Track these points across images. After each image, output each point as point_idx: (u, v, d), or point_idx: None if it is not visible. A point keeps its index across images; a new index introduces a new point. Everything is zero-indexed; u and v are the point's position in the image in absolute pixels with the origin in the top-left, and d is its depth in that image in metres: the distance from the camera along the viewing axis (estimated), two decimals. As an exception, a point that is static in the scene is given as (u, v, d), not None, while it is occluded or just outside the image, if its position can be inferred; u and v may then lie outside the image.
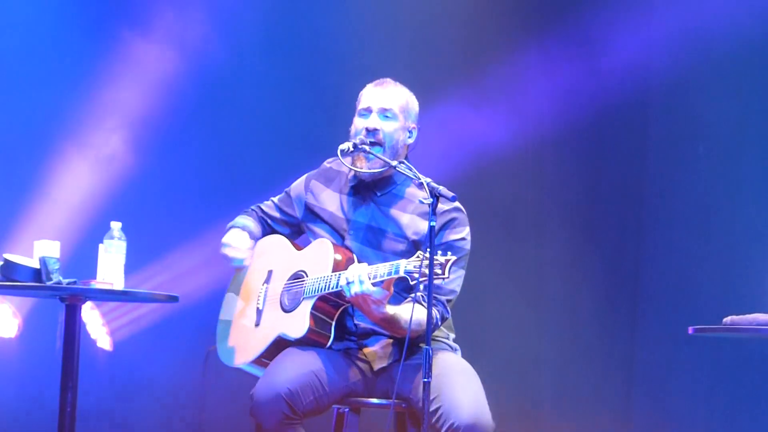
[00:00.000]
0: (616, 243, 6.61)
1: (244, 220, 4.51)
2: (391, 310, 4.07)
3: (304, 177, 4.51)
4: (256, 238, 4.48)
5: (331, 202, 4.38)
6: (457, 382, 4.08)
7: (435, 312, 4.15)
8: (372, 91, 4.36)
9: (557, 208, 6.65)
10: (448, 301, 4.23)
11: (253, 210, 4.56)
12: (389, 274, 3.96)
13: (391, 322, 4.09)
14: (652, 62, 6.56)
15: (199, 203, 6.30)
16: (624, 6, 6.57)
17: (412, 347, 4.15)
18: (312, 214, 4.41)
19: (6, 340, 5.87)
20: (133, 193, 6.13)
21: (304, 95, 6.45)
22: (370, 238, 4.29)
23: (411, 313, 3.94)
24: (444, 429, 3.98)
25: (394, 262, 3.97)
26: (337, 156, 4.24)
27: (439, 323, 4.22)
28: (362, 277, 3.98)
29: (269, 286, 4.38)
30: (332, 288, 4.13)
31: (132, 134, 6.16)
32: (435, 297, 4.14)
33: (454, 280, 4.22)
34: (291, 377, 4.07)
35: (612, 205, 6.64)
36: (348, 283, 4.01)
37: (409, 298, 4.12)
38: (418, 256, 3.91)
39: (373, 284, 3.98)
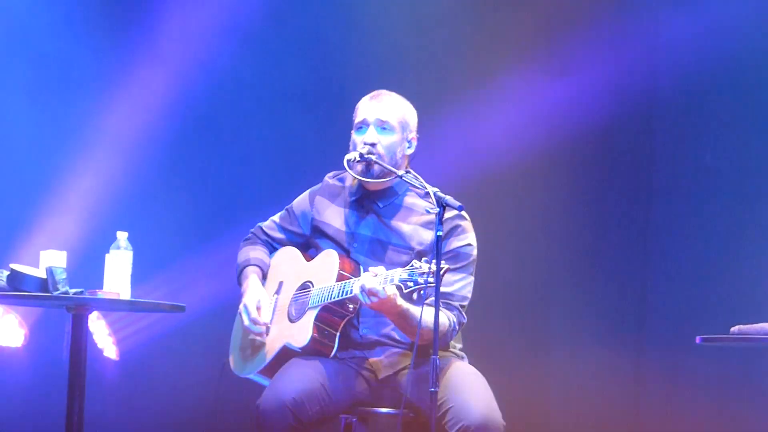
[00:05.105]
0: (623, 253, 6.60)
1: (255, 252, 4.47)
2: (404, 304, 4.03)
3: (307, 193, 4.49)
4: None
5: (335, 217, 4.37)
6: (466, 383, 4.08)
7: (452, 316, 4.15)
8: (367, 104, 4.31)
9: (564, 217, 6.64)
10: (462, 306, 4.22)
11: (255, 235, 4.53)
12: (390, 280, 3.95)
13: (406, 317, 4.04)
14: (657, 71, 6.55)
15: (206, 213, 6.30)
16: (629, 14, 6.57)
17: (421, 356, 4.14)
18: (318, 231, 4.40)
19: (12, 350, 5.88)
20: (139, 203, 6.14)
21: (308, 106, 6.45)
22: (375, 251, 4.28)
23: (420, 313, 3.93)
24: (455, 430, 3.97)
25: (391, 272, 3.95)
26: (344, 167, 4.24)
27: (457, 327, 4.20)
28: (375, 286, 3.95)
29: (279, 296, 4.38)
30: (335, 297, 4.13)
31: (138, 144, 6.17)
32: (449, 303, 4.16)
33: (464, 287, 4.22)
34: (297, 387, 4.06)
35: (619, 214, 6.63)
36: (362, 292, 3.97)
37: (426, 303, 4.07)
38: (412, 265, 3.92)
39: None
